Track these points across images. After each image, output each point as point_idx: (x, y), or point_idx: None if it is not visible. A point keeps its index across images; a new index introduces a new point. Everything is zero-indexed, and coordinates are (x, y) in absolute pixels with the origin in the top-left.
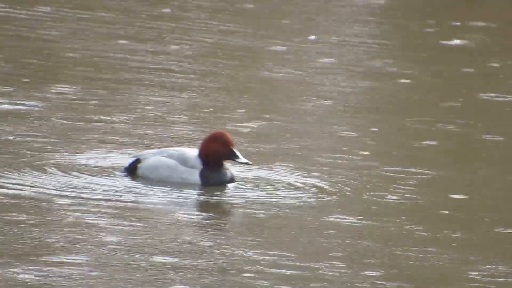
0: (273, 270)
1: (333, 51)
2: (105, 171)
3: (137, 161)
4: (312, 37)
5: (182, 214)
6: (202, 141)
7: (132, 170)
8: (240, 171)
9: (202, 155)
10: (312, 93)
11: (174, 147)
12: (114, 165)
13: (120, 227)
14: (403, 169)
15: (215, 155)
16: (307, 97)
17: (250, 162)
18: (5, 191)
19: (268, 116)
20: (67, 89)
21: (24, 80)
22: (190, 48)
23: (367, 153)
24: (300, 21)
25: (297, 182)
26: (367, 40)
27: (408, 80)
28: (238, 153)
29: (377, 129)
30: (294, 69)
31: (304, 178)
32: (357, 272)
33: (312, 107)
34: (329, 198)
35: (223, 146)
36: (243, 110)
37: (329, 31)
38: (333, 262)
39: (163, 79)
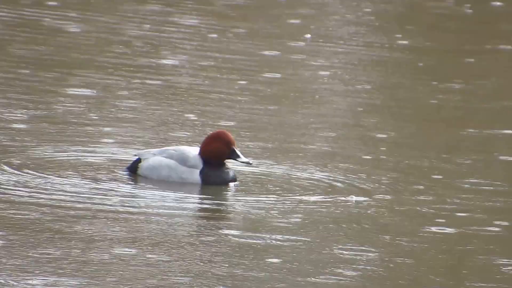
0: (274, 272)
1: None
2: (105, 171)
3: (138, 160)
4: (308, 35)
5: (182, 214)
6: (203, 140)
7: (134, 169)
8: (242, 169)
9: (203, 154)
10: (314, 91)
11: (174, 146)
12: (116, 164)
13: (120, 227)
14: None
15: (216, 154)
16: (309, 96)
17: (251, 162)
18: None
19: (268, 115)
20: (68, 90)
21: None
22: (188, 48)
23: (383, 151)
24: (295, 19)
25: (298, 181)
26: (366, 39)
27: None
28: (239, 152)
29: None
30: (301, 68)
31: (306, 177)
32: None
33: (315, 107)
34: (333, 197)
35: (224, 145)
36: (243, 110)
37: (325, 30)
38: (341, 264)
39: (160, 79)
